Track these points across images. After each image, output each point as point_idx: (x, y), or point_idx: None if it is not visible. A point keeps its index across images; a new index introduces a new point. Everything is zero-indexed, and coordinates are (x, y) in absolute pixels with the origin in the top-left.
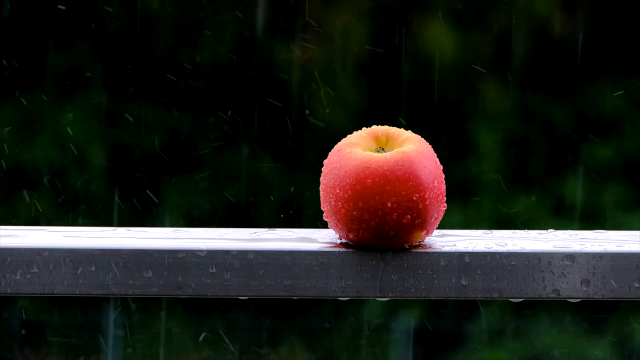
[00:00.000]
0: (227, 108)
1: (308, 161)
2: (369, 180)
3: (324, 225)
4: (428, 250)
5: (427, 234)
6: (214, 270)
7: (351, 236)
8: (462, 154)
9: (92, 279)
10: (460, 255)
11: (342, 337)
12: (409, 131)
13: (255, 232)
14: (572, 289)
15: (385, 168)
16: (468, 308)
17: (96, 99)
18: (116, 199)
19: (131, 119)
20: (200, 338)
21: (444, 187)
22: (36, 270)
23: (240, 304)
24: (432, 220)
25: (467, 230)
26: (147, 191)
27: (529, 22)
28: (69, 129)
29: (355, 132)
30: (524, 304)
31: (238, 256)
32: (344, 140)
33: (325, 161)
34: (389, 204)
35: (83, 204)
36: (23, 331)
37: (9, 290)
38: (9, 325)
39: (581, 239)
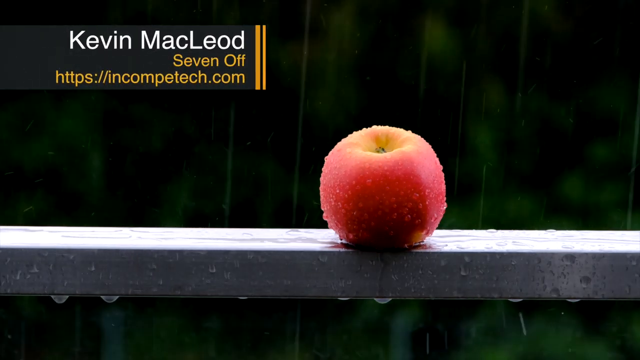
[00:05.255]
0: (226, 108)
1: (308, 161)
2: (369, 180)
3: (324, 225)
4: (428, 250)
5: (427, 234)
6: (214, 270)
7: (351, 236)
8: (461, 154)
9: (92, 279)
10: (460, 255)
11: (342, 337)
12: (409, 131)
13: (254, 232)
14: (572, 289)
15: (385, 168)
16: (468, 308)
17: (97, 99)
18: (116, 199)
19: (131, 119)
20: (200, 338)
21: (443, 187)
22: (36, 270)
23: (240, 304)
24: (432, 220)
25: (467, 230)
26: (147, 191)
27: (529, 22)
28: (68, 129)
29: (355, 132)
30: (523, 304)
31: (238, 256)
32: (344, 140)
33: (325, 161)
34: (389, 204)
35: (83, 204)
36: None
37: (9, 290)
38: (8, 326)
39: (581, 239)
